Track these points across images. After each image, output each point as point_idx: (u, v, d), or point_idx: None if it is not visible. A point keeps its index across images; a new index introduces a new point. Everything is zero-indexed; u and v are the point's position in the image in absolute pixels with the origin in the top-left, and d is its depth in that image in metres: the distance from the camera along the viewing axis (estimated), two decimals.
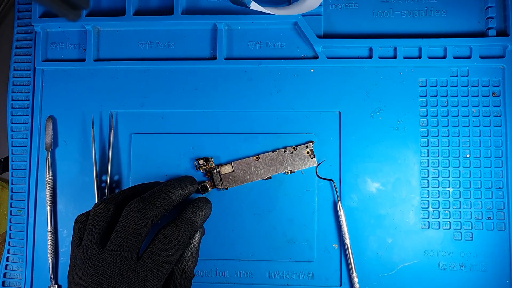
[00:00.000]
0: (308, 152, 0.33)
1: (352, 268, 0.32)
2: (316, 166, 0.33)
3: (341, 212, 0.32)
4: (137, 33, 0.35)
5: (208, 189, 0.33)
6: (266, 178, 0.33)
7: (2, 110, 0.37)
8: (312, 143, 0.33)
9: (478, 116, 0.33)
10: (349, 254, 0.32)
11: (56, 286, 0.34)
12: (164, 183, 0.30)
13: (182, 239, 0.27)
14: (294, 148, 0.33)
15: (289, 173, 0.33)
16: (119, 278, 0.25)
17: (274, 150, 0.33)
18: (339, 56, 0.34)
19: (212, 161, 0.33)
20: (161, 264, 0.26)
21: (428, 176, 0.33)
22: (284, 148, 0.33)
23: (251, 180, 0.33)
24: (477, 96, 0.33)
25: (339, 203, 0.32)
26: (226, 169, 0.33)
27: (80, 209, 0.34)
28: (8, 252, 0.35)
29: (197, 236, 0.29)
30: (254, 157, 0.33)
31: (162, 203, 0.28)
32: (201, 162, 0.33)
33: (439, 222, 0.32)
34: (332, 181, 0.33)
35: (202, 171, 0.33)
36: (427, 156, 0.33)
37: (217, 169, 0.33)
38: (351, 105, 0.33)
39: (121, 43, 0.35)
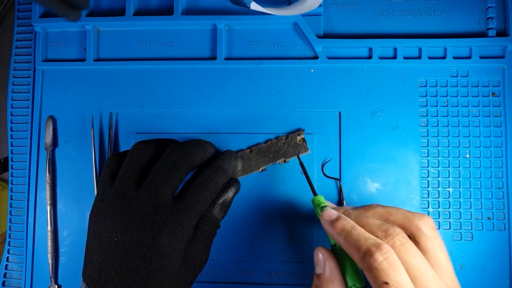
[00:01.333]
0: (300, 140, 0.32)
1: None
2: (323, 165, 0.33)
3: None
4: (137, 33, 0.35)
5: None
6: (260, 170, 0.33)
7: (2, 110, 0.37)
8: (303, 131, 0.33)
9: (478, 116, 0.33)
10: None
11: (56, 286, 0.34)
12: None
13: (217, 183, 0.28)
14: (285, 137, 0.33)
15: (283, 162, 0.32)
16: (156, 215, 0.26)
17: (266, 141, 0.33)
18: (339, 56, 0.34)
19: None
20: (197, 204, 0.27)
21: (428, 177, 0.33)
22: (276, 138, 0.33)
23: (246, 173, 0.32)
24: (477, 96, 0.33)
25: (344, 202, 0.32)
26: None
27: (80, 209, 0.34)
28: (8, 252, 0.35)
29: (233, 189, 0.30)
30: (247, 150, 0.33)
31: (200, 151, 0.29)
32: None
33: (439, 222, 0.32)
34: (339, 179, 0.33)
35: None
36: (427, 156, 0.33)
37: None
38: (351, 105, 0.33)
39: (121, 43, 0.35)
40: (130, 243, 0.25)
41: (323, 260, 0.24)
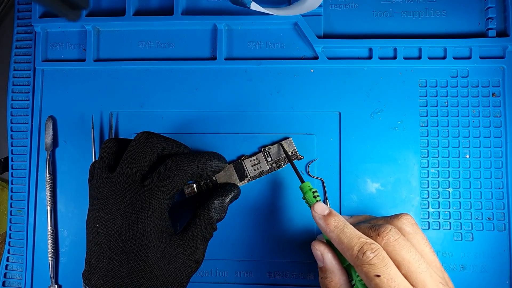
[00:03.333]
0: (292, 152, 0.32)
1: None
2: (308, 165, 0.33)
3: None
4: (137, 33, 0.35)
5: (194, 190, 0.32)
6: (247, 180, 0.32)
7: (2, 110, 0.37)
8: (291, 139, 0.33)
9: (478, 116, 0.33)
10: None
11: (56, 286, 0.34)
12: None
13: (188, 164, 0.28)
14: (269, 148, 0.32)
15: (277, 168, 0.32)
16: (124, 194, 0.26)
17: (258, 152, 0.33)
18: (339, 57, 0.34)
19: None
20: (165, 182, 0.26)
21: (428, 177, 0.33)
22: (264, 154, 0.32)
23: (243, 182, 0.32)
24: (477, 96, 0.33)
25: (327, 202, 0.33)
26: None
27: (80, 209, 0.34)
28: (8, 252, 0.35)
29: (231, 194, 0.30)
30: (242, 158, 0.33)
31: (169, 140, 0.29)
32: None
33: (439, 222, 0.32)
34: (322, 180, 0.33)
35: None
36: (427, 157, 0.33)
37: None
38: (351, 106, 0.33)
39: (121, 43, 0.35)
40: (106, 225, 0.26)
41: (320, 254, 0.26)
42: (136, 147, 0.27)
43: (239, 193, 0.31)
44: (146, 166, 0.27)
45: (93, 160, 0.34)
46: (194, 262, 0.27)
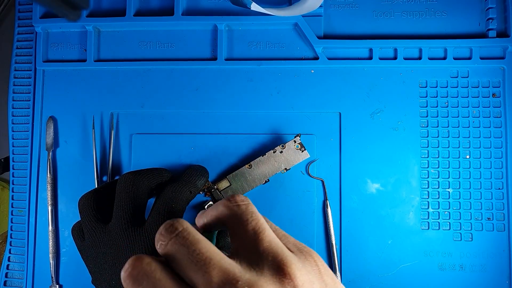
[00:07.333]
0: (297, 147, 0.32)
1: (336, 268, 0.32)
2: (308, 165, 0.33)
3: (329, 211, 0.32)
4: (138, 33, 0.35)
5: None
6: (264, 182, 0.33)
7: (3, 110, 0.37)
8: (299, 136, 0.32)
9: (478, 117, 0.33)
10: (333, 253, 0.32)
11: (57, 286, 0.34)
12: None
13: (182, 193, 0.28)
14: (282, 146, 0.32)
15: (285, 171, 0.32)
16: (132, 245, 0.26)
17: (263, 154, 0.32)
18: (340, 57, 0.34)
19: (208, 181, 0.33)
20: (166, 218, 0.26)
21: (428, 177, 0.33)
22: (273, 149, 0.33)
23: (250, 188, 0.32)
24: (477, 97, 0.33)
25: (327, 202, 0.32)
26: (223, 184, 0.32)
27: None
28: (10, 252, 0.35)
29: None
30: (247, 166, 0.32)
31: (154, 173, 0.29)
32: None
33: (439, 222, 0.32)
34: (322, 180, 0.33)
35: (201, 192, 0.33)
36: (427, 157, 0.33)
37: (215, 186, 0.32)
38: (351, 106, 0.33)
39: (122, 43, 0.35)
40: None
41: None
42: (125, 194, 0.27)
43: (206, 177, 0.32)
44: (142, 210, 0.27)
45: (95, 169, 0.34)
46: None
